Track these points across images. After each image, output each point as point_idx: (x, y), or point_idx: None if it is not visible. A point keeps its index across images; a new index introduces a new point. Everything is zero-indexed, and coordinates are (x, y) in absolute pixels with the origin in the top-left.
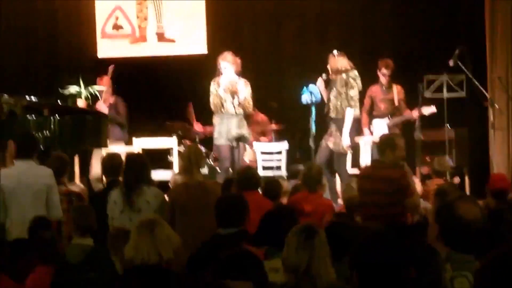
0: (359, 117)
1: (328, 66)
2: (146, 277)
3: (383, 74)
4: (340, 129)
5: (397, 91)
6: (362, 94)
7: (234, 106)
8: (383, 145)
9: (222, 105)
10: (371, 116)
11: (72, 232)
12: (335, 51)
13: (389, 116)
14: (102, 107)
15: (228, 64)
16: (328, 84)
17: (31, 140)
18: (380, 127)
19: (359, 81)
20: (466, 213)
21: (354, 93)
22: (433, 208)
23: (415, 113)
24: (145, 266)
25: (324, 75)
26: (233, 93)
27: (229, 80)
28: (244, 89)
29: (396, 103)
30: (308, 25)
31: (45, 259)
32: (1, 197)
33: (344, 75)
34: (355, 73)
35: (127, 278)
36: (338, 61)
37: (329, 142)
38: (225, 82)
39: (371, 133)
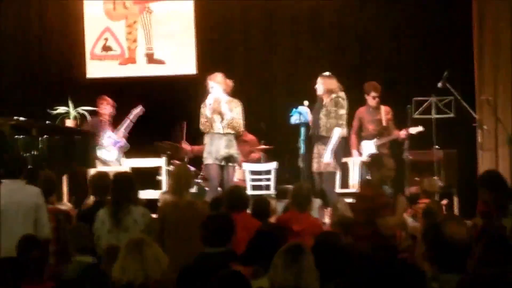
0: (346, 136)
1: (319, 86)
2: None
3: (373, 97)
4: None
5: (384, 112)
6: (350, 115)
7: (222, 126)
8: (370, 164)
9: (211, 126)
10: (360, 137)
11: (71, 251)
12: (326, 73)
13: (377, 136)
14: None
15: (215, 84)
16: (314, 106)
17: (19, 160)
18: (369, 148)
19: (346, 102)
20: (453, 233)
21: (343, 112)
22: (421, 228)
23: (402, 133)
24: (131, 286)
25: (306, 102)
26: (219, 114)
27: (214, 100)
28: (234, 109)
29: (384, 123)
30: (299, 47)
31: (33, 278)
32: None
33: (334, 95)
34: (343, 94)
35: None
36: (330, 82)
37: (317, 164)
38: (210, 102)
39: (360, 154)
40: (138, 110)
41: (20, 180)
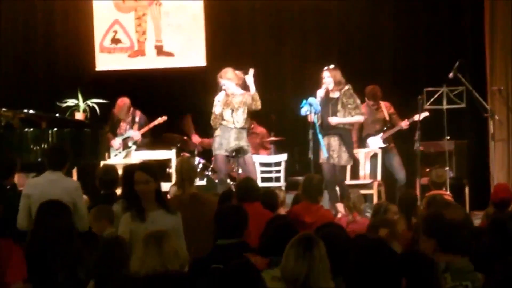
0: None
1: (328, 80)
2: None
3: (372, 104)
4: (344, 141)
5: (385, 108)
6: None
7: (233, 120)
8: None
9: (221, 120)
10: (362, 134)
11: None
12: (331, 65)
13: (383, 132)
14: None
15: (227, 81)
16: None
17: (62, 152)
18: (376, 142)
19: None
20: (454, 216)
21: (359, 102)
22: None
23: (404, 123)
24: None
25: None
26: (231, 108)
27: (228, 95)
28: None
29: (387, 118)
30: (308, 38)
31: None
32: (28, 204)
33: (346, 88)
34: (350, 85)
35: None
36: (338, 74)
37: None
38: (219, 99)
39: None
40: (160, 120)
41: (60, 172)
